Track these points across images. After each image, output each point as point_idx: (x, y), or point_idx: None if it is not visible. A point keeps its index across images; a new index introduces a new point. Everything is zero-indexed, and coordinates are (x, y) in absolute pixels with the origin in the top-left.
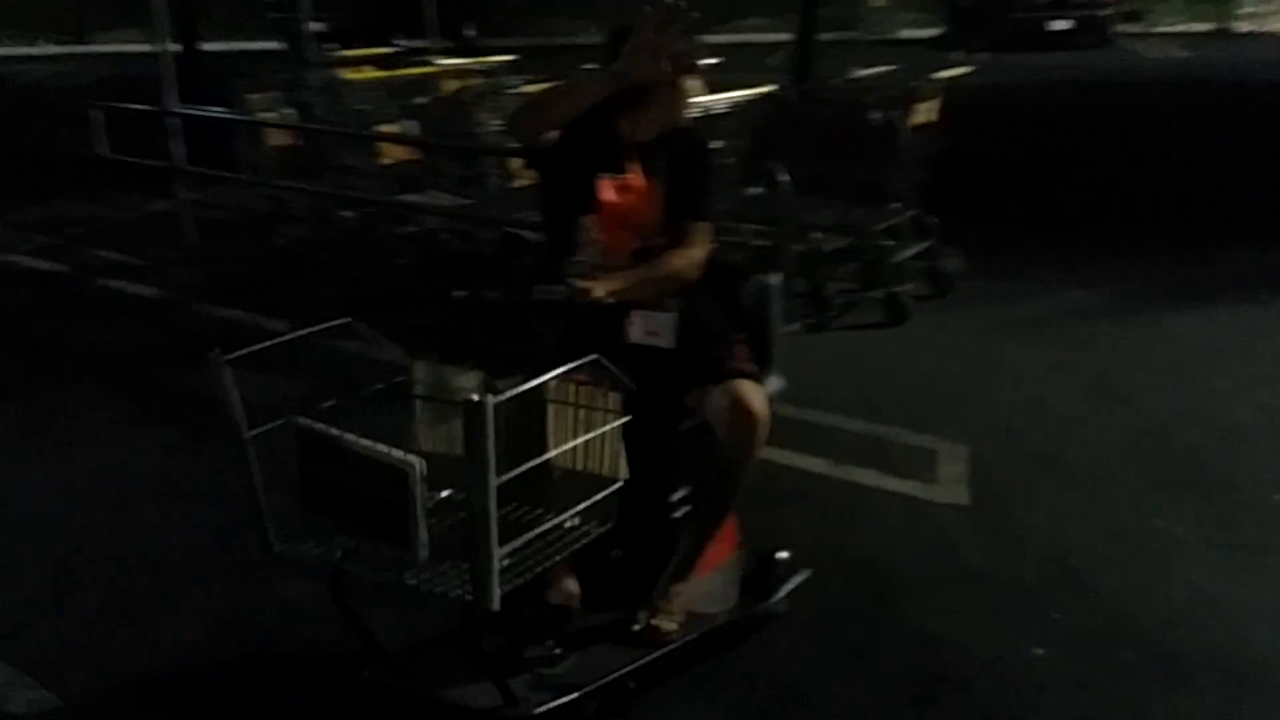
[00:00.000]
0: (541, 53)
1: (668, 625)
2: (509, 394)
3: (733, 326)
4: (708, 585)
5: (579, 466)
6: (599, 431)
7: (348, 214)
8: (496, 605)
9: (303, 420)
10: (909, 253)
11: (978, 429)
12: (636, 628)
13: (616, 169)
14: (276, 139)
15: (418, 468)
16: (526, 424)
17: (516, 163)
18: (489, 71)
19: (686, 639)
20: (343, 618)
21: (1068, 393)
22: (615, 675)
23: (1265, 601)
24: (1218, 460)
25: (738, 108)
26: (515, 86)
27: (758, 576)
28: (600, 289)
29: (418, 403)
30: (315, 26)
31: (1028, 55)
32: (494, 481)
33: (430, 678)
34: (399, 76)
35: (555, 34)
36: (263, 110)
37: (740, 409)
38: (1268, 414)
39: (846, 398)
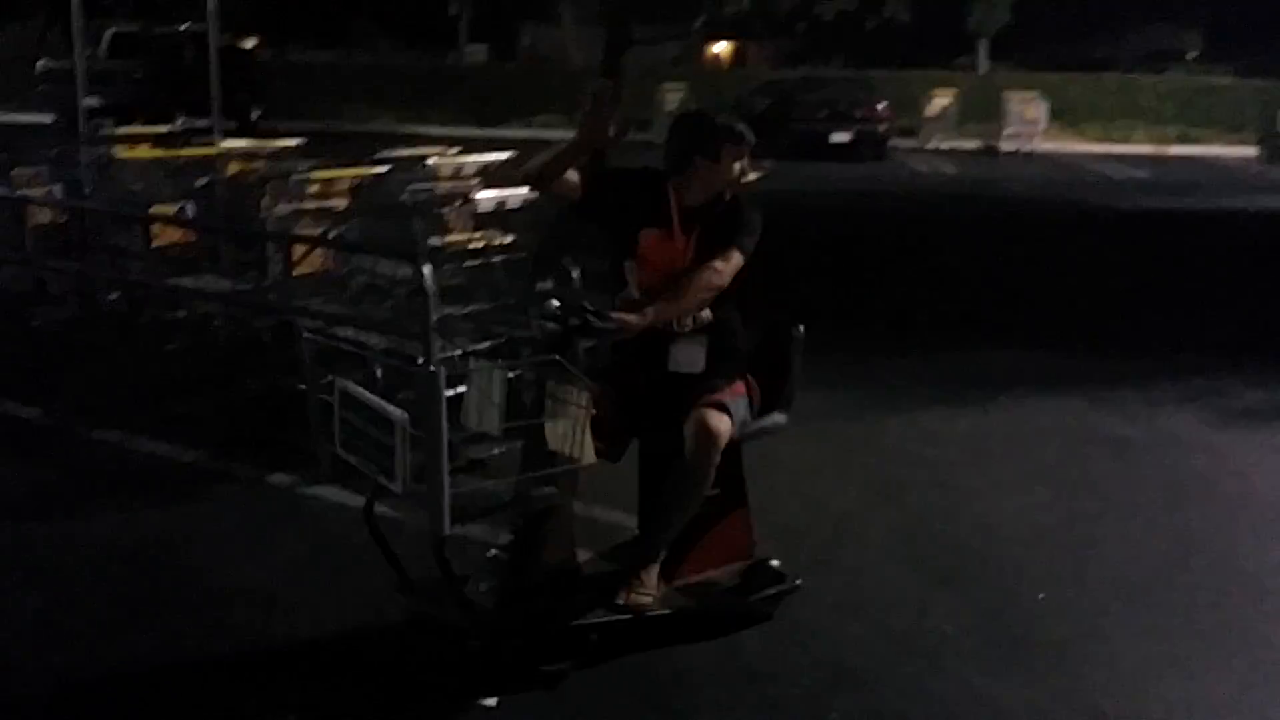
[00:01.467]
0: (331, 138)
1: (642, 599)
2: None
3: (742, 366)
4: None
5: (556, 449)
6: (569, 420)
7: (114, 297)
8: (447, 530)
9: (342, 381)
10: None
11: (759, 529)
12: (619, 601)
13: (661, 224)
14: (38, 216)
15: (404, 418)
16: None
17: (300, 249)
18: (276, 155)
19: (661, 613)
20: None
21: (845, 492)
22: (584, 623)
23: (1028, 697)
24: (983, 559)
25: (530, 203)
26: (304, 171)
27: (747, 580)
28: (636, 319)
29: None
30: (89, 101)
31: (810, 164)
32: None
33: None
34: (178, 156)
35: (347, 120)
36: (26, 186)
37: (702, 430)
38: (1027, 516)
39: (622, 492)
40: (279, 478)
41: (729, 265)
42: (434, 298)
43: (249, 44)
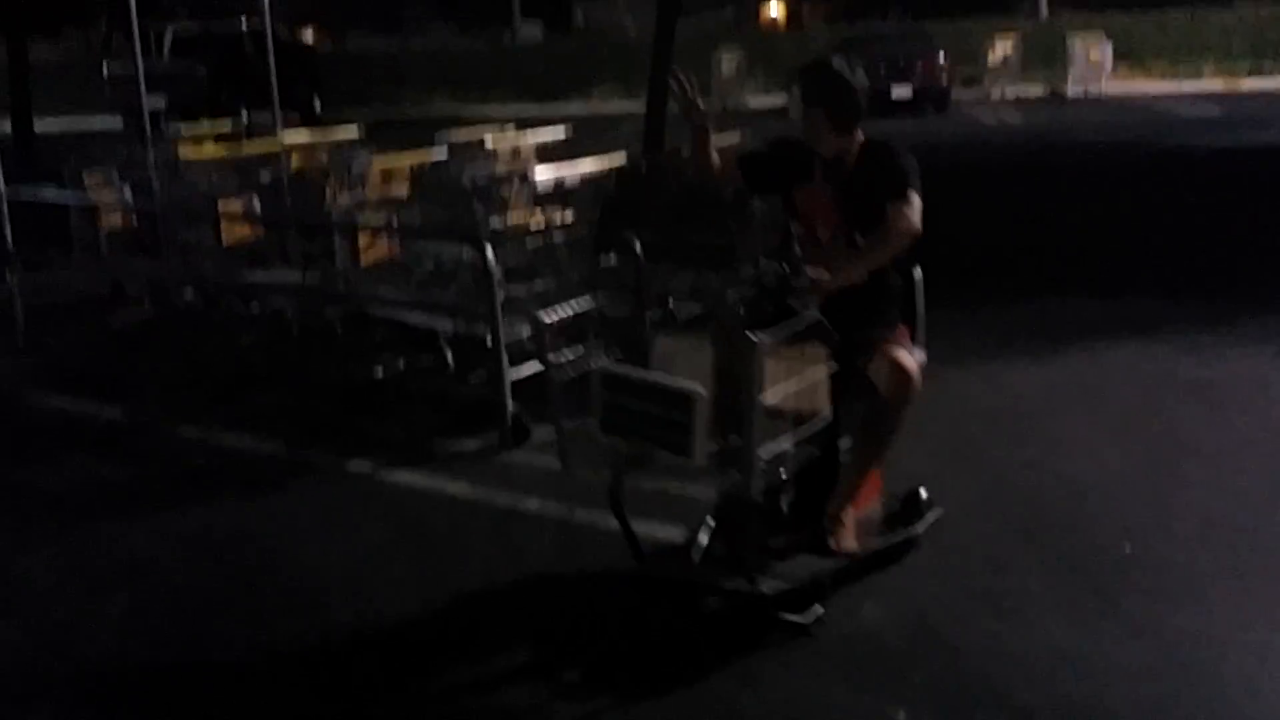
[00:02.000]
0: (390, 126)
1: (850, 543)
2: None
3: (899, 311)
4: (865, 519)
5: (789, 407)
6: (809, 378)
7: (189, 295)
8: (759, 495)
9: (606, 365)
10: None
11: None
12: (834, 547)
13: (809, 180)
14: (112, 219)
15: (702, 394)
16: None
17: (365, 237)
18: (337, 145)
19: (866, 552)
20: (616, 519)
21: (916, 450)
22: (819, 573)
23: (1118, 654)
24: (1065, 513)
25: (588, 178)
26: (364, 160)
27: (903, 510)
28: (828, 279)
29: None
30: (154, 103)
31: (871, 122)
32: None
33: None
34: (241, 153)
35: (407, 106)
36: (98, 189)
37: (897, 369)
38: (1109, 466)
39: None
40: (358, 464)
41: (914, 208)
42: (498, 279)
43: (308, 36)
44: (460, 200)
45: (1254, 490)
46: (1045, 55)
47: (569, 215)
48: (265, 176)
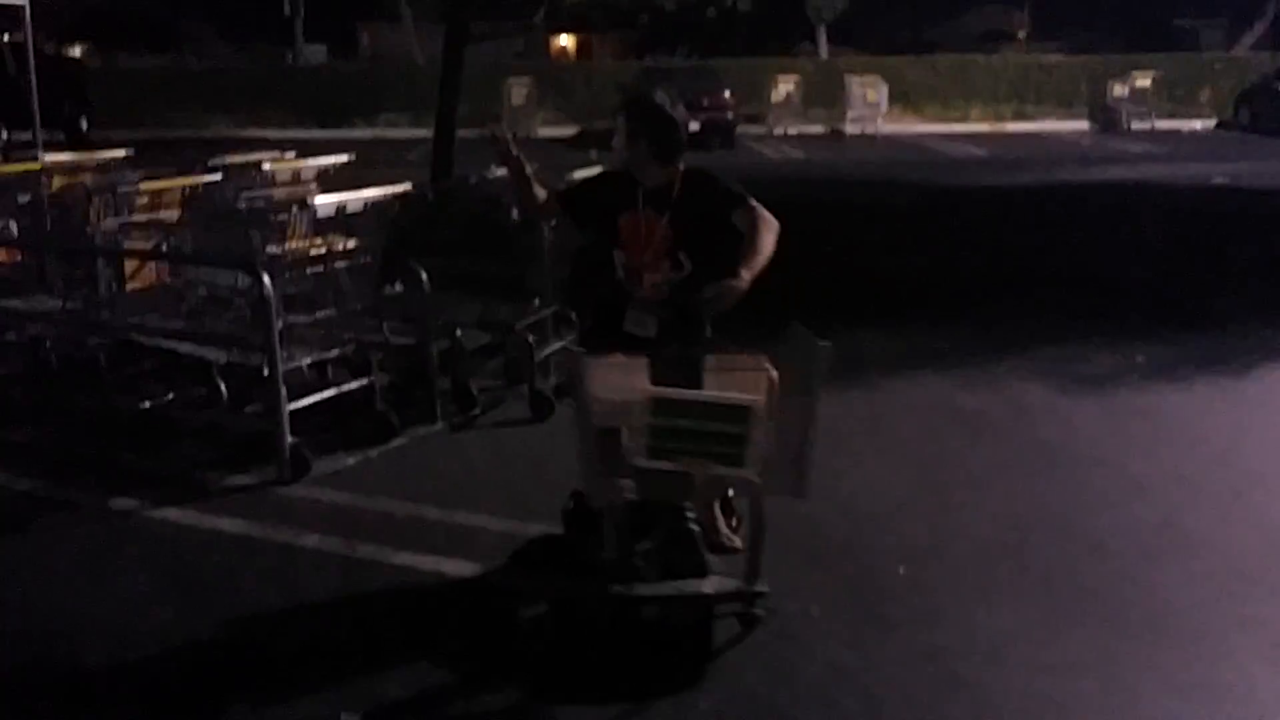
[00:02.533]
0: (163, 146)
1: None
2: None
3: (702, 341)
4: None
5: None
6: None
7: None
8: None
9: (658, 390)
10: (552, 348)
11: None
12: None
13: (631, 208)
14: None
15: (758, 405)
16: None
17: (133, 264)
18: (103, 166)
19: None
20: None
21: None
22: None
23: (894, 674)
24: (845, 537)
25: (373, 205)
26: (132, 182)
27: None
28: (742, 282)
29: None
30: None
31: None
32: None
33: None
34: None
35: (182, 126)
36: None
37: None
38: (887, 492)
39: (495, 497)
40: (122, 502)
41: (761, 211)
42: (276, 307)
43: (76, 52)
44: (235, 225)
45: (1017, 515)
46: (825, 94)
47: (351, 243)
48: (23, 198)
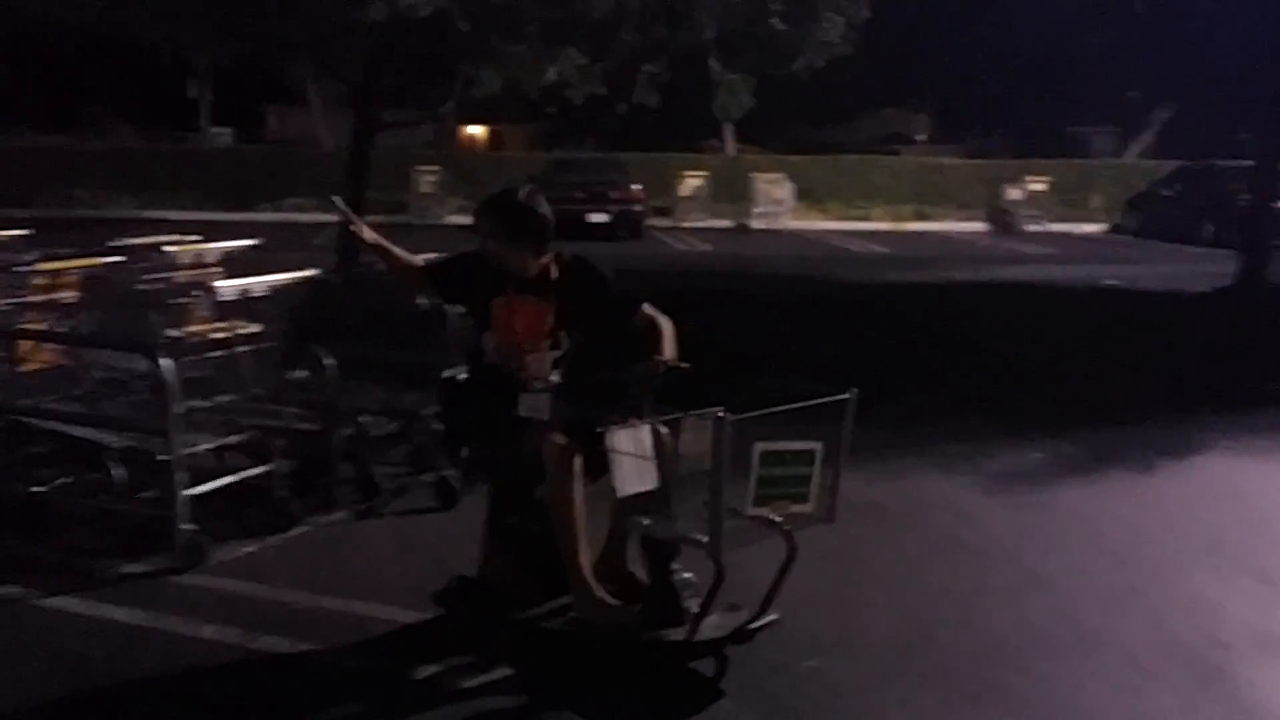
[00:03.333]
0: (63, 226)
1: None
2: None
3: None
4: None
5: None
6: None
7: None
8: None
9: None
10: None
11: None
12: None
13: (504, 293)
14: None
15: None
16: None
17: (27, 345)
18: (1, 245)
19: None
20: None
21: None
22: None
23: None
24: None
25: (276, 290)
26: (29, 263)
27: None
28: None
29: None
30: None
31: (568, 244)
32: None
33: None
34: None
35: (81, 205)
36: None
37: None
38: (791, 585)
39: (396, 587)
40: (6, 590)
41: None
42: (175, 391)
43: None
44: (136, 307)
45: (921, 608)
46: (732, 190)
47: (254, 327)
48: None
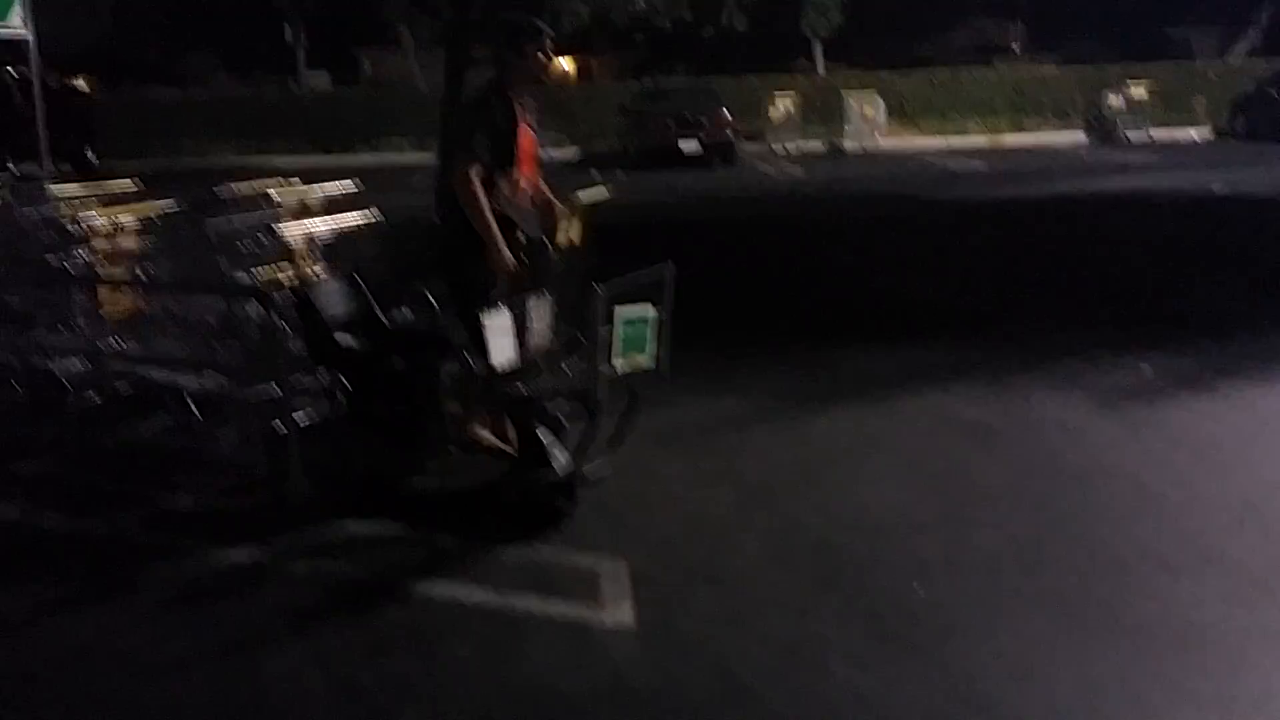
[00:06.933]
0: (170, 176)
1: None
2: None
3: None
4: None
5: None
6: None
7: None
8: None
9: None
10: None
11: (636, 544)
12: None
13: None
14: None
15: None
16: None
17: (109, 292)
18: (110, 199)
19: None
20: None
21: (720, 501)
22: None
23: (912, 695)
24: (859, 558)
25: (345, 233)
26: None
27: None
28: None
29: None
30: None
31: (662, 173)
32: None
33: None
34: None
35: (188, 155)
36: None
37: None
38: (898, 510)
39: (500, 521)
40: (123, 530)
41: None
42: (286, 334)
43: (81, 84)
44: (217, 252)
45: (1032, 530)
46: (823, 111)
47: (320, 269)
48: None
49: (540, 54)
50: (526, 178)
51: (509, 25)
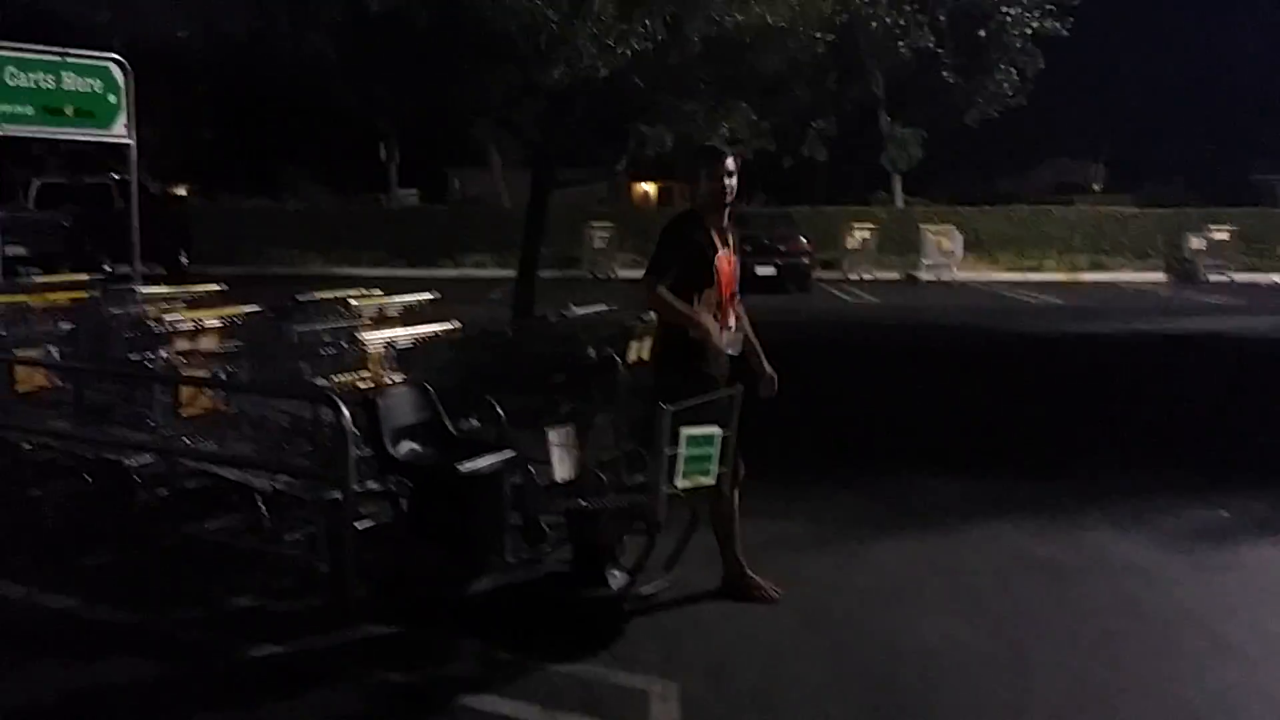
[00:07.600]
0: (257, 282)
1: None
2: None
3: None
4: None
5: None
6: None
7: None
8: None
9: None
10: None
11: (689, 666)
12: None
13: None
14: None
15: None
16: None
17: (189, 392)
18: (195, 300)
19: None
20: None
21: (778, 626)
22: None
23: None
24: (921, 693)
25: (423, 341)
26: (175, 316)
27: None
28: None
29: None
30: (14, 250)
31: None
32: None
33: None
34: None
35: (277, 263)
36: None
37: None
38: (963, 646)
39: (551, 635)
40: (185, 631)
41: None
42: (356, 438)
43: (180, 191)
44: (294, 357)
45: (1102, 675)
46: (900, 242)
47: (399, 377)
48: (65, 325)
49: (723, 176)
50: (726, 299)
51: (692, 152)
